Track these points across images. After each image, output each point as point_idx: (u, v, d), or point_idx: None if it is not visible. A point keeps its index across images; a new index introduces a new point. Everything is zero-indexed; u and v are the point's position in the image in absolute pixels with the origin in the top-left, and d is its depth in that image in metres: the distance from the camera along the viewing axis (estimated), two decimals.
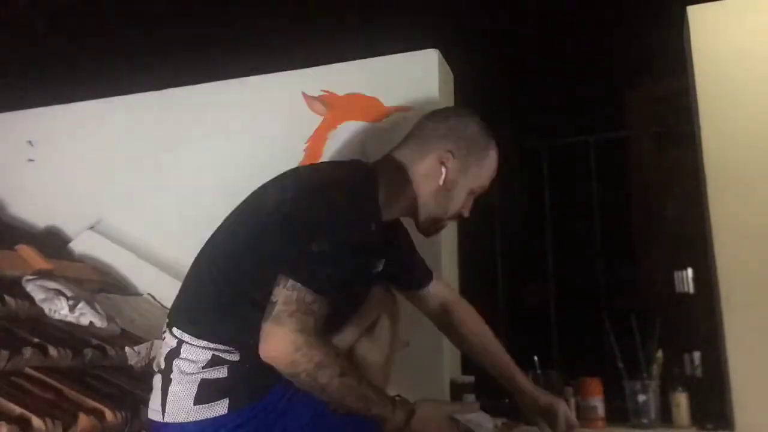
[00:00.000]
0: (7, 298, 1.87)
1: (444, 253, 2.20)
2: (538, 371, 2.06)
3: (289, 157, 2.40)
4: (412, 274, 1.69)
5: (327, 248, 1.25)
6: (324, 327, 1.27)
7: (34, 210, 2.77)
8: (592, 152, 2.27)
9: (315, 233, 1.27)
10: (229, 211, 1.48)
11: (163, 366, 1.33)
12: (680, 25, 2.19)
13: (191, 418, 1.25)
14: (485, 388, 2.25)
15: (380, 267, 1.50)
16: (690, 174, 2.17)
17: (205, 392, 1.26)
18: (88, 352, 1.86)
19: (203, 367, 1.27)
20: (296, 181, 1.42)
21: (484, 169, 1.51)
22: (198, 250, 1.44)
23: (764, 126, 1.97)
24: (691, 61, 2.10)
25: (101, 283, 2.37)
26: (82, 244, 2.59)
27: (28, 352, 1.68)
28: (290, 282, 1.23)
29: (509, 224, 2.45)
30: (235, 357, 1.28)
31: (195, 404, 1.25)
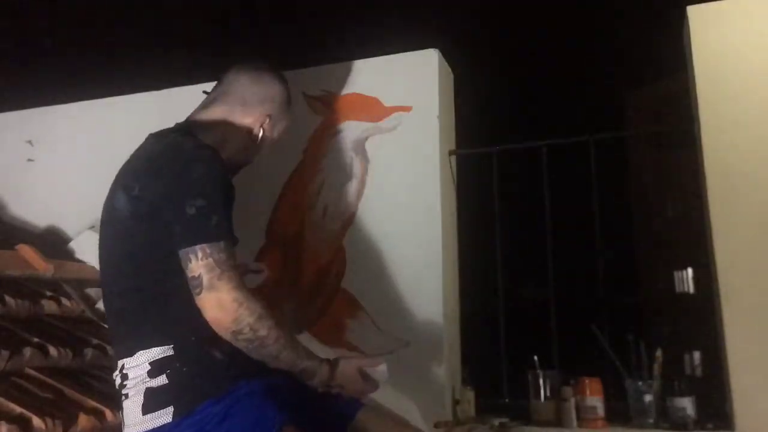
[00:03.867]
0: (7, 298, 1.88)
1: (444, 254, 2.21)
2: (538, 371, 2.06)
3: (289, 157, 2.40)
4: None
5: (202, 203, 1.32)
6: None
7: (34, 210, 2.77)
8: (592, 152, 2.27)
9: (183, 198, 1.33)
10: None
11: (118, 388, 1.39)
12: (680, 25, 2.19)
13: (142, 429, 1.30)
14: (485, 387, 2.25)
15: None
16: (690, 174, 2.17)
17: (151, 401, 1.31)
18: (88, 352, 1.86)
19: (146, 379, 1.32)
20: (132, 172, 1.47)
21: (285, 124, 1.72)
22: None
23: (764, 126, 1.97)
24: (691, 61, 2.10)
25: (101, 283, 2.37)
26: (82, 244, 2.59)
27: (28, 352, 1.68)
28: (199, 252, 1.30)
29: (509, 224, 2.45)
30: (170, 353, 1.33)
31: (143, 414, 1.30)
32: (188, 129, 1.57)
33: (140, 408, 1.31)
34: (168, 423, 1.29)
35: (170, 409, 1.29)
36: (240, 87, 1.64)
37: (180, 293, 1.33)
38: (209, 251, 1.30)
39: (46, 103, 2.88)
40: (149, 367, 1.33)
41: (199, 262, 1.30)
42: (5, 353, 1.62)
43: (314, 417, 1.41)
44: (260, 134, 1.64)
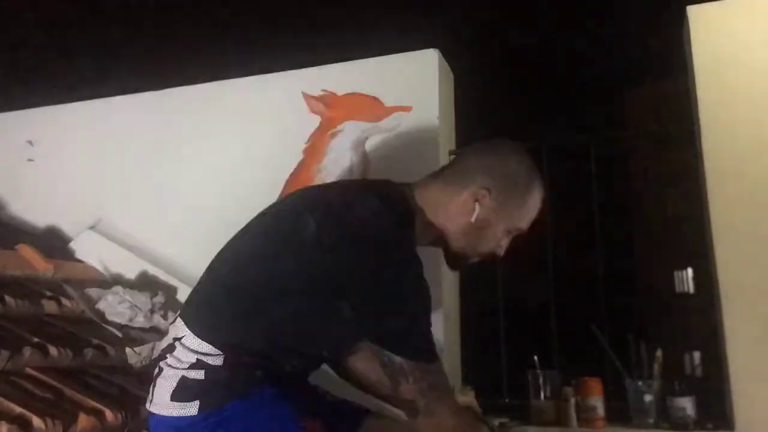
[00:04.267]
0: (7, 298, 1.87)
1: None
2: (538, 371, 2.06)
3: (289, 157, 2.40)
4: None
5: (416, 315, 1.28)
6: None
7: (34, 210, 2.77)
8: (592, 152, 2.27)
9: (393, 301, 1.27)
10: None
11: (158, 355, 1.38)
12: (680, 25, 2.19)
13: (167, 413, 1.30)
14: (485, 387, 2.25)
15: None
16: (690, 174, 2.17)
17: (182, 390, 1.30)
18: (88, 352, 1.86)
19: (186, 368, 1.31)
20: (333, 211, 1.35)
21: (524, 210, 1.44)
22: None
23: (764, 126, 1.97)
24: (691, 61, 2.09)
25: (101, 283, 2.37)
26: (82, 244, 2.59)
27: (28, 352, 1.68)
28: (417, 372, 1.27)
29: None
30: (218, 361, 1.31)
31: (171, 400, 1.30)
32: (404, 203, 1.40)
33: (170, 393, 1.30)
34: (192, 415, 1.28)
35: (196, 403, 1.28)
36: (465, 160, 1.48)
37: (270, 320, 1.31)
38: (419, 376, 1.28)
39: (46, 103, 2.88)
40: (194, 361, 1.31)
41: (413, 384, 1.27)
42: (5, 353, 1.62)
43: (331, 419, 1.43)
44: (476, 211, 1.39)
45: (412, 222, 1.37)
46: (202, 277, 1.45)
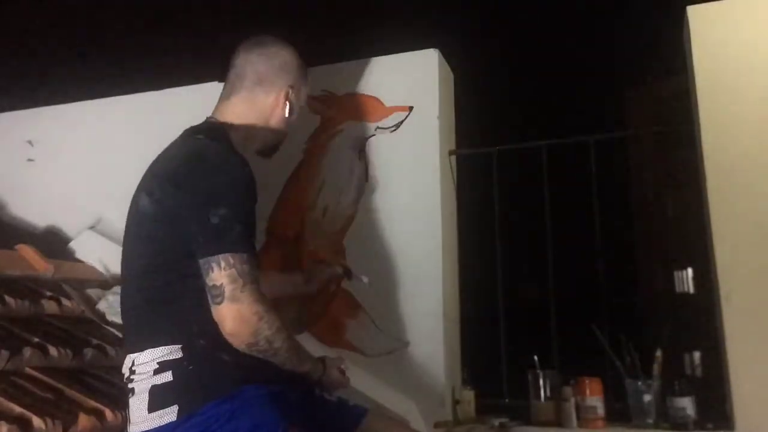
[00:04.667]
0: (7, 298, 1.87)
1: (444, 254, 2.21)
2: (538, 371, 2.06)
3: (289, 157, 2.40)
4: None
5: (225, 212, 1.32)
6: None
7: (34, 210, 2.77)
8: (592, 152, 2.27)
9: (206, 207, 1.33)
10: None
11: (125, 378, 1.40)
12: (680, 25, 2.19)
13: (147, 427, 1.30)
14: (485, 387, 2.25)
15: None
16: (690, 174, 2.17)
17: (156, 399, 1.31)
18: (88, 352, 1.86)
19: (151, 375, 1.33)
20: (155, 175, 1.49)
21: (307, 86, 1.73)
22: None
23: (764, 126, 1.96)
24: (691, 60, 2.09)
25: (101, 283, 2.37)
26: (82, 244, 2.59)
27: (28, 352, 1.68)
28: (222, 262, 1.29)
29: (509, 224, 2.45)
30: (178, 354, 1.33)
31: (149, 412, 1.31)
32: (217, 129, 1.56)
33: (146, 406, 1.31)
34: (172, 422, 1.29)
35: (175, 408, 1.29)
36: (252, 66, 1.62)
37: (193, 296, 1.34)
38: (232, 261, 1.30)
39: (46, 103, 2.88)
40: (157, 366, 1.33)
41: (222, 272, 1.29)
42: (5, 353, 1.62)
43: (320, 424, 1.42)
44: (288, 108, 1.63)
45: (227, 139, 1.52)
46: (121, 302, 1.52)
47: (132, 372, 1.37)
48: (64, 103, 2.85)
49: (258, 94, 1.61)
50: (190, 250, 1.33)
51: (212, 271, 1.30)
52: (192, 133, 1.55)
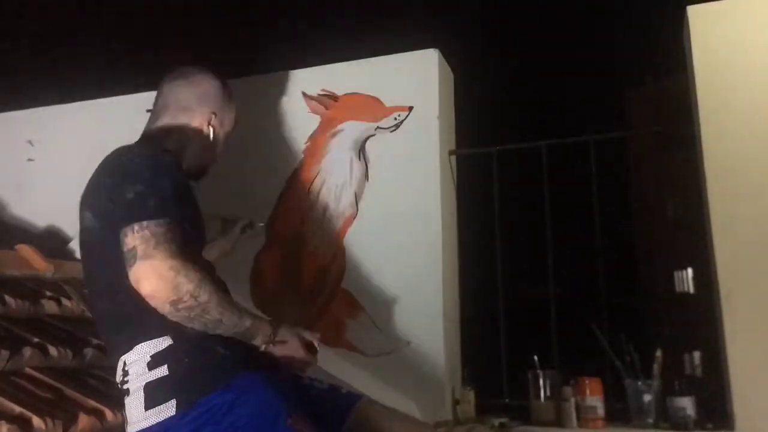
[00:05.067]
0: (7, 298, 1.87)
1: (444, 254, 2.21)
2: (538, 371, 2.06)
3: (290, 157, 2.40)
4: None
5: (141, 188, 1.34)
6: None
7: (34, 210, 2.77)
8: (592, 152, 2.27)
9: (124, 187, 1.36)
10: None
11: (119, 381, 1.39)
12: (680, 25, 2.19)
13: (146, 425, 1.29)
14: (485, 387, 2.25)
15: (198, 193, 1.59)
16: (690, 174, 2.17)
17: (153, 396, 1.30)
18: (88, 352, 1.86)
19: (146, 372, 1.32)
20: (94, 187, 1.51)
21: (232, 115, 1.74)
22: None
23: (764, 126, 1.97)
24: (691, 60, 2.10)
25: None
26: None
27: (28, 352, 1.68)
28: (136, 226, 1.29)
29: (509, 224, 2.45)
30: (168, 342, 1.32)
31: (146, 410, 1.29)
32: (150, 137, 1.63)
33: (142, 404, 1.30)
34: (172, 416, 1.27)
35: (173, 402, 1.28)
36: (175, 95, 1.66)
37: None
38: (146, 225, 1.29)
39: (46, 103, 2.88)
40: (149, 359, 1.32)
41: (135, 235, 1.28)
42: (5, 353, 1.62)
43: (312, 410, 1.40)
44: (211, 132, 1.66)
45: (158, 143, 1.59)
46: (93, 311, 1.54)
47: (125, 373, 1.35)
48: (64, 103, 2.85)
49: (182, 119, 1.64)
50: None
51: (126, 237, 1.29)
52: (118, 149, 1.58)
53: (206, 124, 1.66)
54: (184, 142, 1.63)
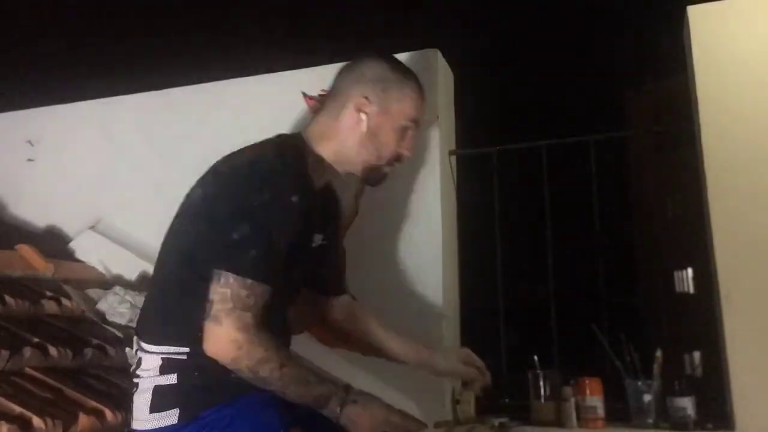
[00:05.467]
0: (7, 298, 1.87)
1: (444, 254, 2.21)
2: (538, 371, 2.06)
3: None
4: (333, 274, 1.75)
5: (248, 233, 1.26)
6: (268, 316, 1.30)
7: (34, 210, 2.77)
8: (592, 152, 2.27)
9: (234, 220, 1.28)
10: None
11: (131, 371, 1.40)
12: (680, 25, 2.19)
13: (148, 427, 1.30)
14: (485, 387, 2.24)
15: (318, 242, 1.48)
16: (690, 174, 2.17)
17: (159, 400, 1.30)
18: (88, 352, 1.86)
19: (157, 374, 1.31)
20: (214, 171, 1.43)
21: (407, 102, 1.49)
22: None
23: (764, 126, 1.96)
24: (691, 61, 2.09)
25: (101, 283, 2.37)
26: (82, 244, 2.59)
27: (28, 352, 1.68)
28: (222, 278, 1.25)
29: (509, 224, 2.45)
30: (183, 356, 1.31)
31: (151, 412, 1.30)
32: (295, 140, 1.49)
33: (148, 405, 1.30)
34: (173, 425, 1.28)
35: (176, 411, 1.28)
36: (334, 85, 1.53)
37: (203, 301, 1.30)
38: (231, 281, 1.25)
39: (46, 103, 2.88)
40: (161, 362, 1.32)
41: (217, 288, 1.25)
42: (5, 353, 1.62)
43: (321, 426, 1.39)
44: (364, 121, 1.45)
45: (288, 169, 1.37)
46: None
47: (139, 362, 1.35)
48: (64, 103, 2.85)
49: (334, 109, 1.48)
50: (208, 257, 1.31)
51: (212, 283, 1.26)
52: (270, 139, 1.48)
53: (357, 112, 1.45)
54: (338, 142, 1.47)
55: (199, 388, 1.31)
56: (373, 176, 1.53)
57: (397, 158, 1.52)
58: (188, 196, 1.46)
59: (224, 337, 1.24)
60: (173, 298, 1.38)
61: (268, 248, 1.29)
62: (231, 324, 1.24)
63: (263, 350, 1.26)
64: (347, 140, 1.47)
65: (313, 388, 1.30)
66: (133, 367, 1.39)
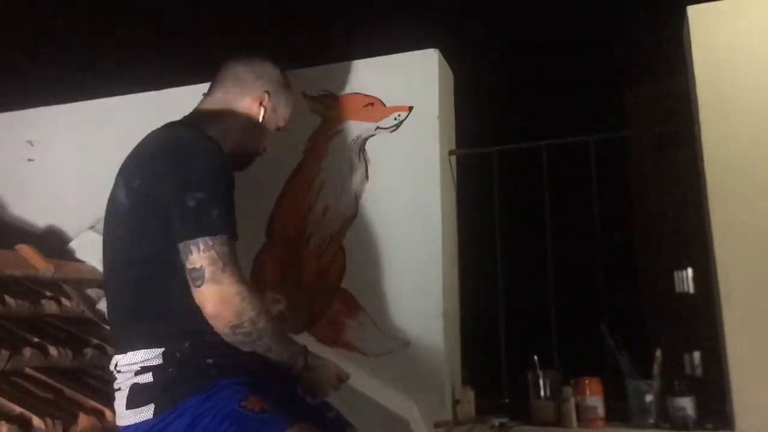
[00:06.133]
0: (7, 298, 1.87)
1: (444, 254, 2.21)
2: (538, 371, 2.06)
3: (290, 158, 2.40)
4: None
5: (203, 197, 1.32)
6: None
7: (34, 210, 2.77)
8: (592, 152, 2.27)
9: (186, 190, 1.32)
10: None
11: (112, 378, 1.40)
12: (680, 25, 2.19)
13: (127, 422, 1.32)
14: (485, 387, 2.25)
15: None
16: (690, 174, 2.17)
17: (135, 397, 1.31)
18: (88, 352, 1.86)
19: (134, 373, 1.33)
20: (135, 165, 1.46)
21: (289, 109, 1.71)
22: None
23: (764, 126, 1.97)
24: (691, 61, 2.10)
25: (101, 283, 2.37)
26: (82, 244, 2.59)
27: (28, 352, 1.68)
28: (201, 245, 1.29)
29: (509, 224, 2.45)
30: (158, 361, 1.32)
31: (127, 409, 1.32)
32: (193, 121, 1.58)
33: (125, 403, 1.32)
34: (149, 419, 1.29)
35: (151, 407, 1.30)
36: (234, 71, 1.65)
37: (176, 293, 1.33)
38: (211, 243, 1.29)
39: (46, 103, 2.88)
40: (139, 369, 1.33)
41: (201, 254, 1.29)
42: (5, 353, 1.62)
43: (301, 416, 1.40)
44: (261, 113, 1.62)
45: (202, 129, 1.51)
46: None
47: (118, 371, 1.37)
48: (64, 103, 2.85)
49: (235, 95, 1.62)
50: (170, 239, 1.33)
51: (191, 254, 1.29)
52: (169, 125, 1.55)
53: (257, 102, 1.62)
54: (230, 123, 1.60)
55: (174, 383, 1.31)
56: (243, 161, 1.65)
57: (262, 150, 1.70)
58: (112, 201, 1.48)
59: (228, 292, 1.29)
60: (137, 299, 1.39)
61: (225, 203, 1.36)
62: (230, 277, 1.29)
63: (261, 300, 1.34)
64: (235, 124, 1.61)
65: (289, 349, 1.41)
66: (113, 373, 1.39)
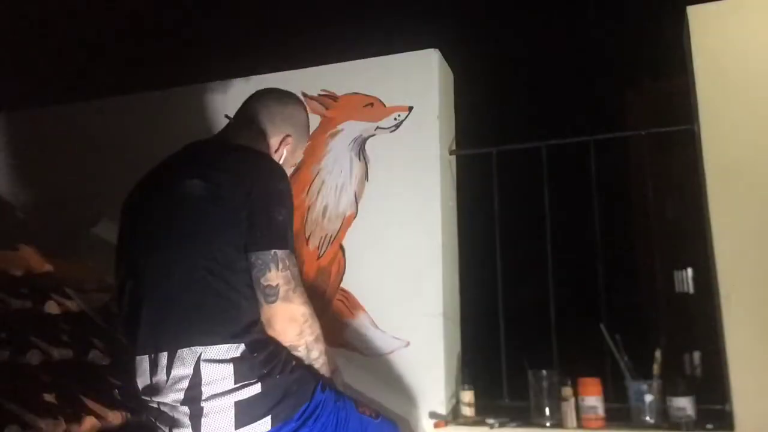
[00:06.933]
0: (7, 298, 1.87)
1: (444, 254, 2.21)
2: (541, 372, 2.06)
3: None
4: None
5: (286, 215, 1.41)
6: None
7: (35, 210, 2.77)
8: (593, 152, 2.27)
9: (274, 203, 1.40)
10: None
11: (183, 397, 1.31)
12: (680, 25, 2.19)
13: None
14: (485, 388, 2.25)
15: None
16: (690, 174, 2.17)
17: (244, 414, 1.28)
18: (88, 352, 1.86)
19: (233, 386, 1.28)
20: (215, 166, 1.47)
21: (303, 148, 1.79)
22: None
23: (764, 125, 1.97)
24: (691, 60, 2.10)
25: (101, 283, 2.37)
26: (82, 244, 2.59)
27: (28, 352, 1.68)
28: (279, 262, 1.34)
29: (509, 224, 2.45)
30: (239, 351, 1.32)
31: (237, 428, 1.28)
32: (256, 143, 1.62)
33: (232, 423, 1.28)
34: (267, 431, 1.31)
35: (268, 419, 1.30)
36: (266, 108, 1.67)
37: (246, 292, 1.35)
38: (288, 263, 1.35)
39: (47, 103, 2.88)
40: (232, 370, 1.29)
41: (278, 273, 1.34)
42: (5, 353, 1.62)
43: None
44: (283, 154, 1.67)
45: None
46: (141, 296, 1.41)
47: (198, 366, 1.28)
48: (67, 102, 2.86)
49: (268, 130, 1.65)
50: (242, 243, 1.35)
51: (269, 270, 1.33)
52: (227, 141, 1.59)
53: (280, 144, 1.66)
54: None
55: (283, 390, 1.33)
56: None
57: None
58: (179, 188, 1.44)
59: (296, 312, 1.35)
60: (209, 289, 1.33)
61: (292, 225, 1.43)
62: (299, 299, 1.36)
63: (319, 326, 1.41)
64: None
65: (330, 362, 1.50)
66: (184, 380, 1.29)
